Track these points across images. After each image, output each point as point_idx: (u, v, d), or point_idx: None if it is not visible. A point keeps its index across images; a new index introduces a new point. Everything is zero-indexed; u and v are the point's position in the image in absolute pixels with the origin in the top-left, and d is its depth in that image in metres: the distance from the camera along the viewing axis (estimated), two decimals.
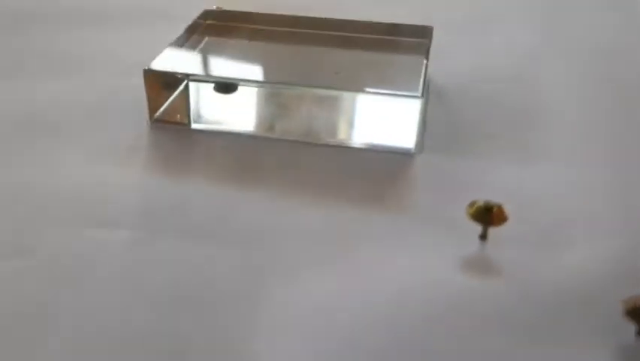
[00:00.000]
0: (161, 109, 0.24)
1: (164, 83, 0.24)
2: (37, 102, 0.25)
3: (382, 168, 0.21)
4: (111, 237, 0.18)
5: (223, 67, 0.25)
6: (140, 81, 0.24)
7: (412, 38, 0.26)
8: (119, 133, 0.23)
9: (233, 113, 0.24)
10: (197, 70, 0.24)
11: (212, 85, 0.23)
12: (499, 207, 0.18)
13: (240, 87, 0.23)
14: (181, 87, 0.24)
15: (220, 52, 0.26)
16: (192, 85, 0.23)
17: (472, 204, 0.18)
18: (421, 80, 0.23)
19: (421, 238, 0.18)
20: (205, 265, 0.17)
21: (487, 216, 0.18)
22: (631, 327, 0.15)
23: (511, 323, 0.15)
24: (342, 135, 0.23)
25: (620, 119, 0.25)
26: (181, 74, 0.23)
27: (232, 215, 0.19)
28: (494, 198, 0.18)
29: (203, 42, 0.26)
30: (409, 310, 0.16)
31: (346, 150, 0.22)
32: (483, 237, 0.18)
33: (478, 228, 0.18)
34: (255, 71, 0.24)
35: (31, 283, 0.16)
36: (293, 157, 0.22)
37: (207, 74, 0.24)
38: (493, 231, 0.18)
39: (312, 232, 0.18)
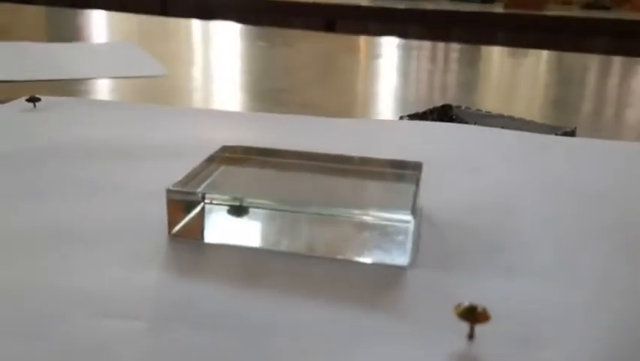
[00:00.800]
0: (180, 225, 0.26)
1: (183, 202, 0.26)
2: (64, 218, 0.27)
3: (377, 280, 0.23)
4: (128, 326, 0.19)
5: (236, 190, 0.27)
6: (157, 205, 0.27)
7: (404, 170, 0.30)
8: (140, 244, 0.25)
9: (245, 230, 0.26)
10: (213, 192, 0.27)
11: (227, 208, 0.26)
12: (484, 308, 0.19)
13: (250, 210, 0.26)
14: (198, 208, 0.26)
15: (234, 178, 0.30)
16: (207, 205, 0.26)
17: (458, 306, 0.19)
18: (412, 202, 0.25)
19: (412, 337, 0.20)
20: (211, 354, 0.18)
21: (472, 314, 0.19)
22: None
23: None
24: (341, 251, 0.25)
25: (602, 248, 0.26)
26: (198, 193, 0.26)
27: (237, 310, 0.21)
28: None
29: (220, 170, 0.29)
30: None
31: (346, 263, 0.24)
32: (470, 336, 0.19)
33: (465, 330, 0.20)
34: (265, 195, 0.26)
35: None
36: (293, 267, 0.24)
37: (221, 196, 0.26)
38: (480, 332, 0.19)
39: (308, 331, 0.20)
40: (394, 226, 0.24)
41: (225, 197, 0.26)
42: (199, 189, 0.27)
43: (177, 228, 0.27)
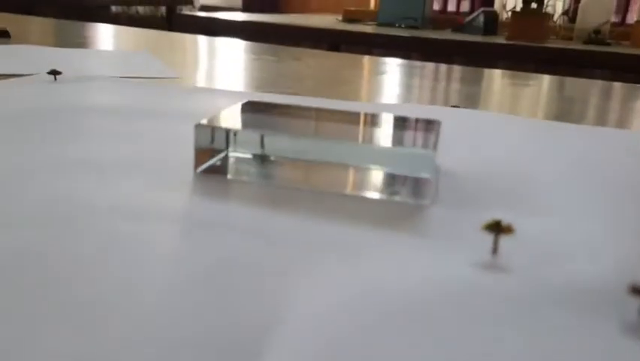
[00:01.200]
0: (205, 164, 0.29)
1: (209, 141, 0.29)
2: (98, 155, 0.29)
3: (401, 212, 0.25)
4: (160, 227, 0.22)
5: (260, 132, 0.29)
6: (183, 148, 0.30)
7: (425, 125, 0.32)
8: (169, 177, 0.28)
9: (269, 172, 0.28)
10: (238, 130, 0.29)
11: (250, 157, 0.28)
12: (508, 223, 0.21)
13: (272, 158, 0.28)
14: (222, 154, 0.29)
15: (258, 123, 0.31)
16: (231, 153, 0.29)
17: (484, 223, 0.21)
18: (433, 141, 0.28)
19: (437, 250, 0.21)
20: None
21: (498, 227, 0.20)
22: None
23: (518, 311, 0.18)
24: (363, 187, 0.27)
25: (610, 195, 0.28)
26: (225, 129, 0.28)
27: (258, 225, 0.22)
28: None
29: (245, 115, 0.32)
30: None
31: (367, 199, 0.26)
32: (495, 249, 0.21)
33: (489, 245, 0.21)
34: (288, 140, 0.28)
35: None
36: (317, 205, 0.26)
37: (245, 138, 0.28)
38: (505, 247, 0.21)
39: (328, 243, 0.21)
40: (416, 163, 0.26)
41: (249, 141, 0.28)
42: (226, 125, 0.28)
43: (203, 167, 0.29)
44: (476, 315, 0.17)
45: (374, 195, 0.27)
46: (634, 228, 0.25)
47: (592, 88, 0.76)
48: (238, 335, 0.16)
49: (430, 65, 0.90)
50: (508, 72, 0.91)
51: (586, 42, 1.75)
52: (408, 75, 0.79)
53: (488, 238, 0.22)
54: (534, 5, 1.68)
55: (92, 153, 0.31)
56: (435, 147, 0.27)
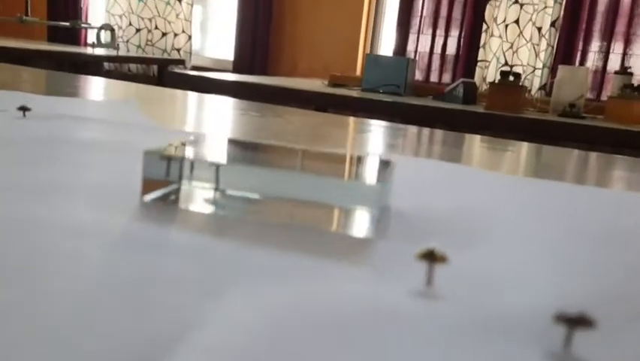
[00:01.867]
0: (156, 192, 0.29)
1: (165, 169, 0.29)
2: (48, 179, 0.30)
3: (342, 245, 0.26)
4: (97, 242, 0.23)
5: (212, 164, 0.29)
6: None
7: (377, 165, 0.33)
8: (116, 210, 0.28)
9: (218, 198, 0.29)
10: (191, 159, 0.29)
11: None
12: (442, 253, 0.22)
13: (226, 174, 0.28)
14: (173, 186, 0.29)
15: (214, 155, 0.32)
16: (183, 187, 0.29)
17: (418, 252, 0.23)
18: (382, 178, 0.29)
19: (374, 279, 0.23)
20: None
21: (431, 256, 0.22)
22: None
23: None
24: (308, 219, 0.28)
25: (558, 231, 0.30)
26: (178, 158, 0.28)
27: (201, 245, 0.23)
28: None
29: (198, 148, 0.33)
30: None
31: (311, 231, 0.27)
32: (429, 279, 0.22)
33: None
34: (239, 171, 0.29)
35: None
36: (261, 235, 0.26)
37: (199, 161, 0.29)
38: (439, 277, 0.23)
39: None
40: (362, 197, 0.27)
41: (203, 173, 0.28)
42: (177, 154, 0.29)
43: (152, 195, 0.29)
44: (401, 337, 0.18)
45: (318, 226, 0.27)
46: (570, 266, 0.27)
47: (569, 156, 0.80)
48: (148, 346, 0.16)
49: (412, 128, 0.94)
50: (488, 138, 0.94)
51: (561, 115, 1.82)
52: (391, 136, 0.82)
53: (424, 269, 0.24)
54: (511, 78, 1.76)
55: (41, 178, 0.32)
56: (382, 182, 0.28)
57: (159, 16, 3.48)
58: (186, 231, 0.26)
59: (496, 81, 1.86)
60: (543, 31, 2.80)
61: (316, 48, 3.32)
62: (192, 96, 1.09)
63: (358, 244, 0.26)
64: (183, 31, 3.47)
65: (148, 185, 0.29)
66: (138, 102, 0.86)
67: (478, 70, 2.98)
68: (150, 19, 3.50)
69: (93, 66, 3.04)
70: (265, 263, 0.23)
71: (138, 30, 3.52)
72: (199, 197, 0.28)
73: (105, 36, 2.91)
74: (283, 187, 0.27)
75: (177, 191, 0.29)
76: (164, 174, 0.28)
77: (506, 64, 2.90)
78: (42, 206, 0.27)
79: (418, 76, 3.31)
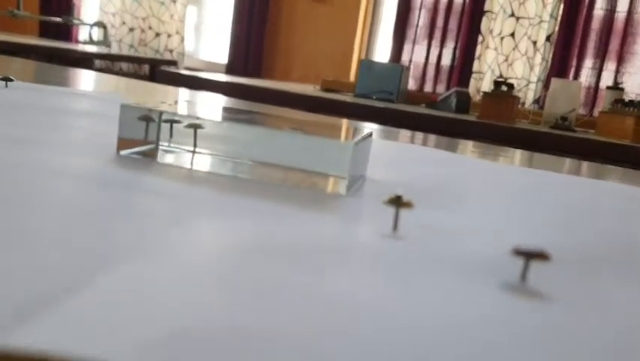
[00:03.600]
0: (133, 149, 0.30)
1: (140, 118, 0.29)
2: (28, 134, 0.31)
3: (312, 199, 0.27)
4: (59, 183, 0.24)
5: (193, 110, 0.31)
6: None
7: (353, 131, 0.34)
8: (93, 159, 0.30)
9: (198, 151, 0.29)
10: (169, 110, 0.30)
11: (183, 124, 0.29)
12: (409, 199, 0.23)
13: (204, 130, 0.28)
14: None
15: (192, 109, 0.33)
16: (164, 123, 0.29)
17: (387, 198, 0.24)
18: (356, 140, 0.29)
19: (335, 222, 0.24)
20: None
21: (398, 201, 0.23)
22: None
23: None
24: (285, 175, 0.28)
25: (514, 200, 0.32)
26: (154, 110, 0.28)
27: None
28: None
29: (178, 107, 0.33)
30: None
31: (285, 187, 0.28)
32: (395, 225, 0.23)
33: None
34: (220, 116, 0.30)
35: None
36: (235, 188, 0.27)
37: (178, 114, 0.29)
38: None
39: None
40: (335, 156, 0.27)
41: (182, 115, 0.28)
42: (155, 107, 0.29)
43: (128, 151, 0.30)
44: (364, 269, 0.19)
45: (292, 183, 0.28)
46: (526, 225, 0.29)
47: (561, 164, 0.79)
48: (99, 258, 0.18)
49: (405, 132, 0.92)
50: (480, 144, 0.93)
51: (553, 127, 1.81)
52: (384, 138, 0.81)
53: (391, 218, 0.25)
54: (505, 88, 1.75)
55: (26, 135, 0.34)
56: (357, 143, 0.28)
57: (153, 16, 3.46)
58: (158, 177, 0.27)
59: (490, 91, 1.85)
60: (538, 45, 2.80)
61: (310, 55, 3.31)
62: (183, 93, 1.07)
63: (332, 200, 0.27)
64: (177, 32, 3.45)
65: (124, 136, 0.29)
66: (124, 94, 0.84)
67: (472, 81, 2.99)
68: (144, 19, 3.48)
69: (84, 63, 3.01)
70: (229, 207, 0.24)
71: (131, 29, 3.50)
72: (172, 152, 0.29)
73: (98, 34, 2.89)
74: (258, 147, 0.28)
75: (153, 143, 0.29)
76: (141, 129, 0.29)
77: (501, 76, 2.90)
78: (24, 153, 0.29)
79: (412, 85, 3.31)
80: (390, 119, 1.78)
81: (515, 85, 2.59)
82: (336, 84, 2.21)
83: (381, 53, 3.39)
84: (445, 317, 0.17)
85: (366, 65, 2.08)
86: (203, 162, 0.28)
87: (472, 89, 2.91)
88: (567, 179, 0.49)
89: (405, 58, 3.26)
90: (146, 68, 3.32)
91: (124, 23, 3.50)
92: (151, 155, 0.29)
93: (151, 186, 0.25)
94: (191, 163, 0.28)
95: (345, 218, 0.25)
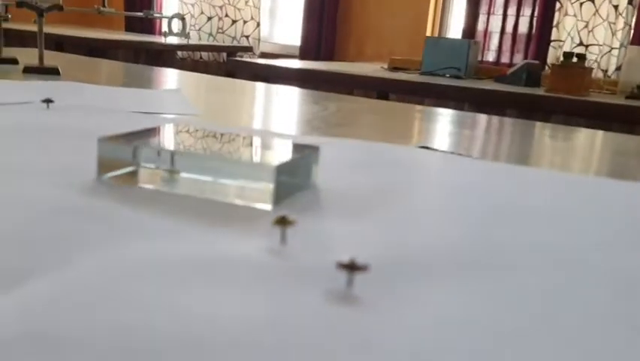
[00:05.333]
0: (112, 173, 0.36)
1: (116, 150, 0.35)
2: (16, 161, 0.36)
3: (236, 215, 0.32)
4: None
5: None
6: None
7: (304, 150, 0.38)
8: (71, 188, 0.35)
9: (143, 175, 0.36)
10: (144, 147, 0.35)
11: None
12: (293, 218, 0.28)
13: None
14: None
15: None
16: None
17: (275, 218, 0.28)
18: (287, 160, 0.35)
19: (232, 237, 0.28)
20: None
21: (283, 221, 0.28)
22: None
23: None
24: (218, 194, 0.34)
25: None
26: (132, 144, 0.35)
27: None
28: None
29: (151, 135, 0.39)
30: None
31: (224, 205, 0.33)
32: (282, 239, 0.28)
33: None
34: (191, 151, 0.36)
35: None
36: (180, 206, 0.32)
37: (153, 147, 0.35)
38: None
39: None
40: (263, 175, 0.33)
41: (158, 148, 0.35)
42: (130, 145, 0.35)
43: (109, 175, 0.35)
44: (229, 280, 0.23)
45: (225, 200, 0.33)
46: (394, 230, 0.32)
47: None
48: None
49: (449, 112, 0.93)
50: (559, 126, 0.92)
51: (629, 97, 1.74)
52: (457, 124, 0.81)
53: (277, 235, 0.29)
54: (575, 59, 1.70)
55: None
56: (285, 163, 0.34)
57: (229, 3, 3.57)
58: (105, 199, 0.33)
59: (559, 62, 1.80)
60: (620, 9, 2.67)
61: (383, 33, 3.31)
62: (245, 84, 1.13)
63: (257, 216, 0.32)
64: (252, 18, 3.54)
65: (105, 166, 0.36)
66: (185, 90, 0.90)
67: (551, 50, 2.88)
68: (221, 7, 3.59)
69: (166, 55, 3.16)
70: (145, 225, 0.29)
71: (210, 18, 3.63)
72: (139, 175, 0.35)
73: (178, 25, 3.02)
74: (205, 167, 0.34)
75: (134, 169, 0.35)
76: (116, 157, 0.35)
77: (581, 43, 2.79)
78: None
79: (489, 57, 3.24)
80: (456, 95, 1.77)
81: (597, 52, 2.48)
82: (405, 62, 2.21)
83: (456, 27, 3.33)
84: (273, 318, 0.20)
85: (432, 41, 2.07)
86: (157, 181, 0.35)
87: (551, 58, 2.81)
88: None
89: (480, 29, 3.19)
90: (224, 55, 3.44)
91: (202, 13, 3.63)
92: (121, 176, 0.35)
93: (94, 208, 0.31)
94: (138, 180, 0.35)
95: (245, 232, 0.29)
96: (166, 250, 0.26)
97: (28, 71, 0.95)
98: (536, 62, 2.10)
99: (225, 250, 0.26)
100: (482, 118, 0.91)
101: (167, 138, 0.39)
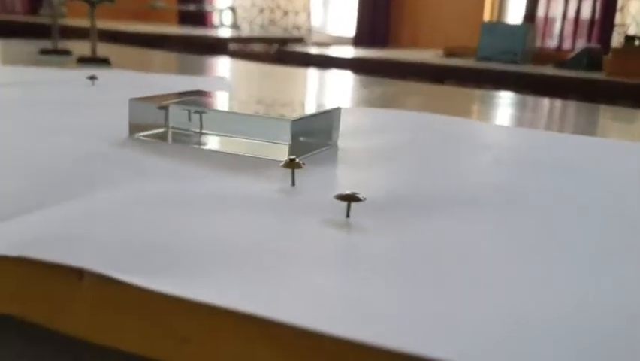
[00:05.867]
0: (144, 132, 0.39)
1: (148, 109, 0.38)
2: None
3: (254, 166, 0.35)
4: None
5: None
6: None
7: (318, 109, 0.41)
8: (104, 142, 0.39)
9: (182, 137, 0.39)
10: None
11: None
12: (300, 162, 0.31)
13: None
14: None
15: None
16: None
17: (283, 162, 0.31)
18: (304, 116, 0.37)
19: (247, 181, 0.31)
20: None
21: (292, 163, 0.31)
22: None
23: None
24: (246, 146, 0.36)
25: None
26: (162, 104, 0.37)
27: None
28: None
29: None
30: None
31: (252, 159, 0.36)
32: (292, 182, 0.31)
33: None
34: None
35: None
36: (194, 158, 0.36)
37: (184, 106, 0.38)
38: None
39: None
40: (279, 131, 0.35)
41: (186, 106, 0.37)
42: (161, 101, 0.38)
43: (142, 133, 0.39)
44: (241, 210, 0.27)
45: (246, 153, 0.36)
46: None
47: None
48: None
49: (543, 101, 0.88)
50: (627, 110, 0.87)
51: None
52: (520, 109, 0.79)
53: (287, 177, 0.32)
54: (637, 42, 1.61)
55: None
56: (301, 119, 0.36)
57: None
58: (134, 151, 0.36)
59: (620, 46, 1.71)
60: None
61: (438, 19, 3.24)
62: (292, 72, 1.12)
63: (269, 167, 0.34)
64: (304, 9, 3.53)
65: (135, 126, 0.39)
66: (233, 77, 0.90)
67: (615, 35, 2.76)
68: None
69: (218, 47, 3.18)
70: (169, 171, 0.33)
71: (261, 10, 3.64)
72: (169, 134, 0.38)
73: (229, 17, 3.04)
74: (230, 127, 0.37)
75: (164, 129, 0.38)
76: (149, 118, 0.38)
77: None
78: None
79: (550, 44, 3.13)
80: (512, 82, 1.71)
81: None
82: (460, 49, 2.15)
83: (515, 12, 3.23)
84: (276, 233, 0.24)
85: (488, 27, 2.00)
86: (186, 139, 0.37)
87: (614, 44, 2.69)
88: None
89: (540, 14, 3.08)
90: (276, 47, 3.44)
91: (254, 5, 3.64)
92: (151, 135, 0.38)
93: (124, 156, 0.35)
94: (168, 139, 0.38)
95: (259, 177, 0.32)
96: (186, 187, 0.29)
97: (82, 61, 0.97)
98: (598, 46, 2.01)
99: (241, 189, 0.30)
100: (539, 101, 0.87)
101: (196, 100, 0.40)
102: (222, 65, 1.14)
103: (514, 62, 1.92)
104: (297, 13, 3.53)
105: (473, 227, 0.26)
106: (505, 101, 0.86)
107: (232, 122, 0.36)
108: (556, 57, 1.99)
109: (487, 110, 0.75)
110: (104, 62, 0.97)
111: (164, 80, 0.80)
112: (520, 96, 0.93)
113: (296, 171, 0.31)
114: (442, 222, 0.27)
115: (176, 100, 0.38)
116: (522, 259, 0.23)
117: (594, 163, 0.40)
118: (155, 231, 0.23)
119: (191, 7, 2.49)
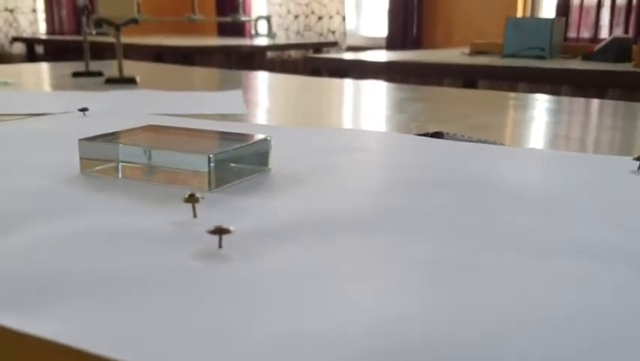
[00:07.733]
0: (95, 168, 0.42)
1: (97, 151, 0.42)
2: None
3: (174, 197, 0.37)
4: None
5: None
6: None
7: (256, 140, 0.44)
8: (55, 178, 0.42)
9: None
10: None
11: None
12: (198, 195, 0.33)
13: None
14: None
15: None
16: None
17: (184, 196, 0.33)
18: (228, 149, 0.40)
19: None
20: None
21: (191, 198, 0.33)
22: None
23: None
24: (173, 177, 0.40)
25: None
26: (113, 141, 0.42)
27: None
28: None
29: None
30: None
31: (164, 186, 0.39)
32: (194, 213, 0.33)
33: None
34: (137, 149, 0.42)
35: None
36: (131, 194, 0.38)
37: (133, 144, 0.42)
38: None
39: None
40: (200, 163, 0.38)
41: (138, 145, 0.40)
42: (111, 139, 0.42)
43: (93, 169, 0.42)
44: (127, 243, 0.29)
45: (174, 183, 0.39)
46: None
47: None
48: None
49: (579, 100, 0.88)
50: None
51: None
52: (556, 113, 0.78)
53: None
54: None
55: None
56: (225, 152, 0.39)
57: (314, 0, 3.62)
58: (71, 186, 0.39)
59: None
60: None
61: (471, 16, 3.23)
62: (315, 82, 1.16)
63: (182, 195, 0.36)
64: (337, 13, 3.57)
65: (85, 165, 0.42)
66: (255, 90, 0.94)
67: None
68: (307, 5, 3.65)
69: (257, 56, 3.26)
70: (85, 205, 0.35)
71: (296, 16, 3.70)
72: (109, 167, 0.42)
73: (267, 26, 3.12)
74: (166, 160, 0.40)
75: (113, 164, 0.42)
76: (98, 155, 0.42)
77: None
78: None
79: (585, 34, 3.08)
80: (538, 77, 1.71)
81: None
82: (487, 46, 2.16)
83: (548, 5, 3.19)
84: (148, 269, 0.26)
85: (513, 22, 2.00)
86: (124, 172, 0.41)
87: None
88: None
89: (575, 3, 3.04)
90: (311, 52, 3.50)
91: (289, 12, 3.71)
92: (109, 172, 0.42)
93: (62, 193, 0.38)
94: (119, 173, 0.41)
95: (165, 210, 0.34)
96: (96, 222, 0.32)
97: (109, 81, 1.05)
98: (626, 35, 1.98)
99: (142, 222, 0.32)
100: (564, 100, 0.89)
101: (143, 137, 0.44)
102: (248, 79, 1.19)
103: (542, 57, 1.92)
104: (330, 17, 3.58)
105: (333, 252, 0.28)
106: (523, 103, 0.88)
107: (173, 156, 0.40)
108: (583, 49, 1.98)
109: (520, 117, 0.78)
110: (130, 81, 1.04)
111: (176, 97, 0.86)
112: (543, 96, 0.94)
113: (215, 200, 0.35)
114: (306, 249, 0.28)
115: (124, 139, 0.42)
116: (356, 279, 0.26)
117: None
118: (29, 266, 0.26)
119: (228, 18, 2.59)
